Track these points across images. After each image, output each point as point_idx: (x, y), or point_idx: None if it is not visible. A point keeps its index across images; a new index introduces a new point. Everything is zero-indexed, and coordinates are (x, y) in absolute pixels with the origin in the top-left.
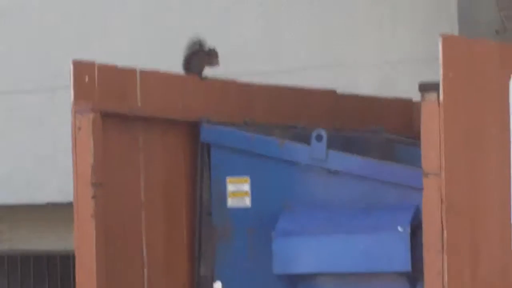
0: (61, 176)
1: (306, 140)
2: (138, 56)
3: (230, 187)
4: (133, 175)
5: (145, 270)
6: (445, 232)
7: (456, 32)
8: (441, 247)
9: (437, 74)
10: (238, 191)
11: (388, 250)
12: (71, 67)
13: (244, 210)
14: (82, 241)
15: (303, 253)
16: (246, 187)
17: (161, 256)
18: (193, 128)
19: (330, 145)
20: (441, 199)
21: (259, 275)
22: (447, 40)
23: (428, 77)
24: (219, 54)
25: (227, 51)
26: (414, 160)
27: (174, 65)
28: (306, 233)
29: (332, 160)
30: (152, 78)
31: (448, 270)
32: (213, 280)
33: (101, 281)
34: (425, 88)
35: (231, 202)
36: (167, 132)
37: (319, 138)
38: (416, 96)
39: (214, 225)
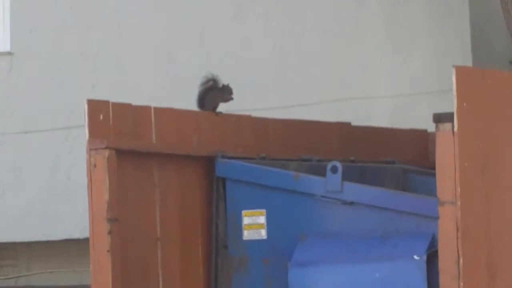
0: (77, 212)
1: (321, 172)
2: (153, 94)
3: (246, 220)
4: (148, 210)
5: None
6: (461, 259)
7: (470, 63)
8: (457, 274)
9: (451, 105)
10: (254, 224)
11: (405, 279)
12: (86, 105)
13: (260, 241)
14: (98, 276)
15: (319, 283)
16: (262, 219)
17: None
18: (208, 163)
19: (345, 176)
20: (457, 227)
21: None
22: (461, 71)
23: (443, 108)
24: (233, 90)
25: (242, 86)
26: (430, 189)
27: (189, 102)
28: (322, 263)
29: (347, 192)
30: (166, 115)
31: None
32: None
33: None
34: (439, 118)
35: (247, 234)
36: (182, 167)
37: (334, 170)
38: (431, 127)
39: (230, 257)
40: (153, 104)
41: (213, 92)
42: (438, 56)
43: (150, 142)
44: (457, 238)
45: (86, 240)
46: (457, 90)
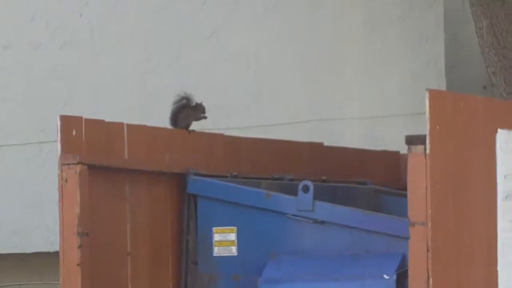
0: (48, 226)
1: (293, 191)
2: (126, 112)
3: (216, 237)
4: (119, 225)
5: None
6: (431, 280)
7: (444, 87)
8: None
9: (424, 128)
10: (225, 240)
11: None
12: (58, 121)
13: (230, 258)
14: None
15: None
16: (232, 236)
17: None
18: (180, 180)
19: (317, 196)
20: (427, 248)
21: None
22: (434, 95)
23: (416, 131)
24: (207, 109)
25: (216, 105)
26: (401, 210)
27: (163, 120)
28: (292, 281)
29: (318, 211)
30: (139, 131)
31: None
32: None
33: None
34: (411, 140)
35: (217, 251)
36: (154, 184)
37: (305, 189)
38: (403, 149)
39: (200, 273)
40: (127, 121)
41: (186, 110)
42: (412, 79)
43: (122, 158)
44: (427, 258)
45: (56, 253)
46: (430, 113)
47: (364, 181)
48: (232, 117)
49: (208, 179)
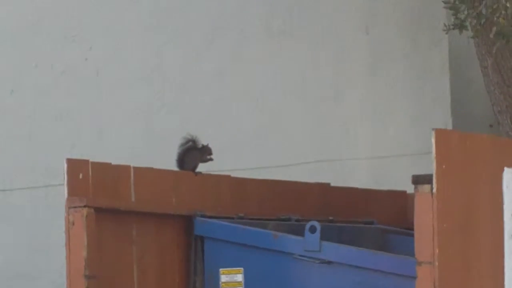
0: (55, 269)
1: (300, 232)
2: (132, 154)
3: (224, 278)
4: (126, 268)
5: None
6: None
7: (450, 126)
8: None
9: (430, 167)
10: (232, 281)
11: None
12: (65, 164)
13: None
14: None
15: None
16: (239, 277)
17: None
18: (187, 222)
19: (324, 236)
20: (435, 287)
21: None
22: (440, 134)
23: (422, 170)
24: (213, 150)
25: (222, 147)
26: (408, 250)
27: (169, 162)
28: None
29: (326, 251)
30: (146, 174)
31: None
32: None
33: None
34: (418, 180)
35: None
36: (161, 226)
37: (312, 229)
38: (410, 188)
39: None
40: (133, 163)
41: (193, 153)
42: (418, 119)
43: (129, 201)
44: None
45: None
46: (436, 153)
47: (371, 220)
48: (238, 158)
49: (215, 220)
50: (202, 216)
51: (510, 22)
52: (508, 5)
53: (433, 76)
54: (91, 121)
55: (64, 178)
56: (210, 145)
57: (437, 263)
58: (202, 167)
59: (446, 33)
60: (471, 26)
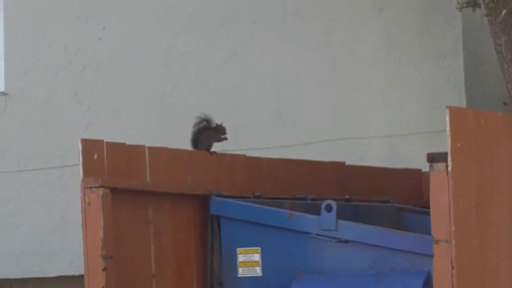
0: (72, 249)
1: (316, 211)
2: (147, 134)
3: (241, 258)
4: (143, 248)
5: None
6: None
7: (464, 104)
8: None
9: (445, 145)
10: (249, 261)
11: None
12: (80, 145)
13: (255, 279)
14: None
15: None
16: (256, 257)
17: None
18: (202, 202)
19: (340, 215)
20: (452, 266)
21: None
22: (454, 112)
23: (437, 148)
24: (228, 130)
25: (237, 126)
26: (424, 228)
27: (184, 142)
28: None
29: (342, 230)
30: (160, 154)
31: None
32: None
33: None
34: (433, 158)
35: (241, 272)
36: (176, 206)
37: (328, 208)
38: (425, 166)
39: None
40: (148, 143)
41: (207, 132)
42: (432, 97)
43: (145, 181)
44: (452, 276)
45: (80, 277)
46: (451, 131)
47: (387, 199)
48: (253, 137)
49: (231, 200)
50: (218, 195)
51: None
52: None
53: (447, 55)
54: (105, 101)
55: (79, 159)
56: (224, 125)
57: (454, 241)
58: (216, 147)
59: (460, 11)
60: (485, 4)
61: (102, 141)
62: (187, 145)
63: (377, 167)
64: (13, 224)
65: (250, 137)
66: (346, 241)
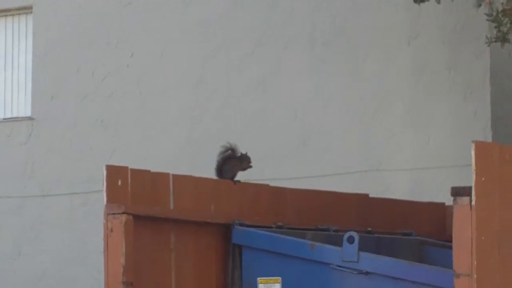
0: (92, 275)
1: (338, 242)
2: (172, 161)
3: (261, 287)
4: (164, 275)
5: None
6: None
7: (489, 139)
8: None
9: (470, 179)
10: None
11: None
12: (104, 171)
13: None
14: None
15: None
16: (277, 287)
17: None
18: (225, 230)
19: (362, 247)
20: None
21: None
22: (480, 146)
23: (461, 182)
24: (253, 159)
25: (262, 155)
26: (446, 262)
27: (209, 170)
28: None
29: (363, 262)
30: (185, 182)
31: None
32: None
33: None
34: (457, 192)
35: None
36: (199, 234)
37: (351, 240)
38: (448, 200)
39: None
40: (173, 171)
41: (232, 161)
42: (458, 131)
43: (168, 208)
44: None
45: None
46: (476, 165)
47: (409, 232)
48: (279, 167)
49: (253, 229)
50: (241, 224)
51: None
52: None
53: (474, 89)
54: (131, 128)
55: (103, 185)
56: (249, 154)
57: (475, 276)
58: (241, 176)
59: (488, 46)
60: None
61: (126, 167)
62: (213, 172)
63: (401, 200)
64: (35, 249)
65: (275, 166)
66: (367, 273)
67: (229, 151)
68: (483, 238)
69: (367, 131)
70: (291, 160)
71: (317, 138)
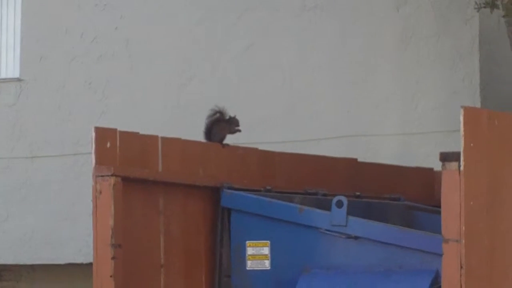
0: (81, 237)
1: (326, 206)
2: (161, 124)
3: (250, 251)
4: (153, 237)
5: None
6: None
7: (478, 104)
8: None
9: (458, 145)
10: (258, 254)
11: None
12: (93, 133)
13: (263, 272)
14: None
15: None
16: (265, 250)
17: None
18: (214, 193)
19: (351, 211)
20: (461, 265)
21: None
22: (469, 112)
23: (450, 148)
24: (242, 123)
25: (251, 119)
26: (434, 227)
27: (197, 134)
28: None
29: (352, 226)
30: (173, 145)
31: None
32: None
33: None
34: (446, 157)
35: (250, 265)
36: (187, 197)
37: (339, 204)
38: (437, 165)
39: (233, 286)
40: (161, 134)
41: (220, 124)
42: (447, 96)
43: (157, 171)
44: (460, 275)
45: (89, 265)
46: (465, 130)
47: (398, 197)
48: (267, 131)
49: (242, 193)
50: (229, 188)
51: None
52: None
53: (463, 55)
54: (120, 90)
55: (91, 147)
56: (237, 117)
57: (463, 241)
58: (229, 139)
59: (477, 11)
60: (503, 5)
61: (115, 130)
62: (201, 136)
63: (389, 165)
64: (23, 211)
65: (263, 130)
66: (356, 238)
67: (218, 114)
68: (471, 203)
69: (355, 96)
70: (279, 124)
71: (304, 102)
